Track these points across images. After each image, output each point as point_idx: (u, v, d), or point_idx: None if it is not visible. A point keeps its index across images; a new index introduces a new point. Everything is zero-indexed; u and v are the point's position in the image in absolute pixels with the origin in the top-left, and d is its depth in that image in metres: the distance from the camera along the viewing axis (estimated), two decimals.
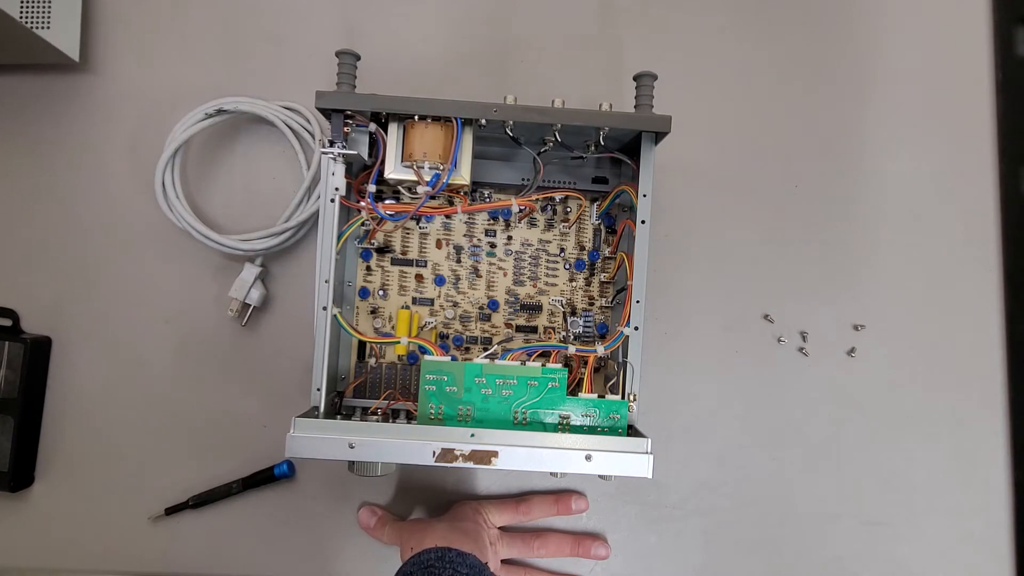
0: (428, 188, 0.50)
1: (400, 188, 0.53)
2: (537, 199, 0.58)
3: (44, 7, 0.61)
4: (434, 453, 0.45)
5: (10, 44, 0.59)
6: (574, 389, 0.55)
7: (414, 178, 0.51)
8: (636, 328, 0.50)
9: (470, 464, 0.45)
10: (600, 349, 0.52)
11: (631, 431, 0.49)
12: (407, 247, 0.59)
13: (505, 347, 0.59)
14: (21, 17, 0.61)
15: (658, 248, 0.63)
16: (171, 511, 0.61)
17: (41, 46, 0.59)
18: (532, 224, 0.59)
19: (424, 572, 0.46)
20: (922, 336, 0.64)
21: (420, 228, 0.59)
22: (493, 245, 0.59)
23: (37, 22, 0.61)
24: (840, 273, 0.64)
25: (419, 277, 0.59)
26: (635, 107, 0.51)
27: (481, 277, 0.60)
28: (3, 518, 0.62)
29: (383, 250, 0.59)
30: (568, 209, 0.59)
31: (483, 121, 0.49)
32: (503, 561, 0.59)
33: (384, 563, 0.62)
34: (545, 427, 0.49)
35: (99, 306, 0.63)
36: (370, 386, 0.58)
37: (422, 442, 0.45)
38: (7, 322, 0.62)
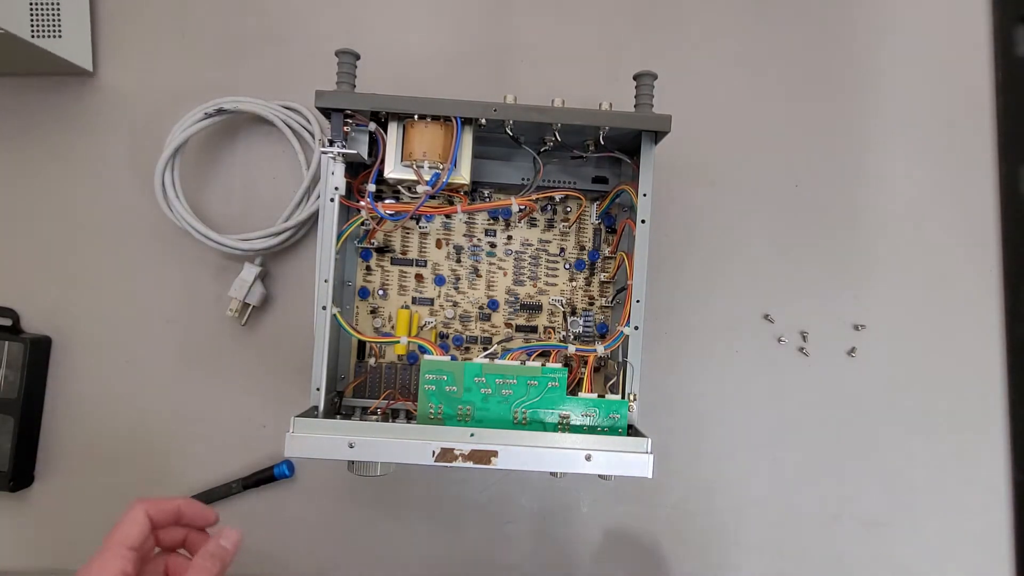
0: (428, 187, 0.50)
1: (400, 188, 0.53)
2: (537, 199, 0.58)
3: (54, 17, 0.61)
4: (434, 453, 0.45)
5: (23, 59, 0.60)
6: (574, 389, 0.55)
7: (414, 177, 0.51)
8: (636, 328, 0.50)
9: (470, 464, 0.45)
10: (600, 349, 0.52)
11: (631, 431, 0.49)
12: (407, 247, 0.59)
13: (505, 347, 0.59)
14: (31, 29, 0.61)
15: (658, 248, 0.63)
16: None
17: (54, 60, 0.59)
18: (532, 224, 0.59)
19: None
20: (922, 336, 0.64)
21: (420, 228, 0.59)
22: (493, 245, 0.59)
23: (47, 31, 0.61)
24: (840, 273, 0.64)
25: (419, 277, 0.59)
26: (635, 107, 0.51)
27: (481, 277, 0.60)
28: (3, 518, 0.62)
29: (383, 250, 0.59)
30: (568, 209, 0.59)
31: (483, 120, 0.49)
32: None
33: (386, 563, 0.62)
34: (545, 427, 0.49)
35: (99, 306, 0.63)
36: (370, 386, 0.58)
37: (422, 442, 0.45)
38: (7, 322, 0.62)
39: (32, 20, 0.61)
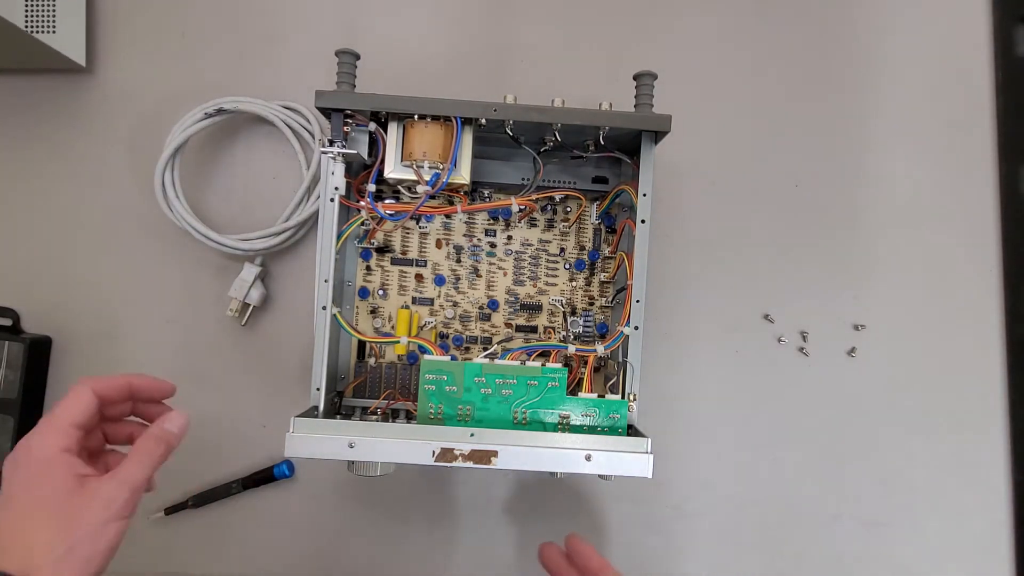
0: (428, 187, 0.50)
1: (400, 188, 0.53)
2: (537, 199, 0.58)
3: (49, 12, 0.61)
4: (434, 453, 0.45)
5: (17, 51, 0.59)
6: (574, 389, 0.55)
7: (414, 177, 0.51)
8: (636, 328, 0.50)
9: (470, 464, 0.45)
10: (600, 349, 0.52)
11: (631, 431, 0.49)
12: (407, 247, 0.59)
13: (505, 347, 0.59)
14: (26, 23, 0.61)
15: (658, 248, 0.63)
16: (171, 511, 0.61)
17: (47, 53, 0.59)
18: (532, 224, 0.59)
19: None
20: (922, 336, 0.64)
21: (420, 228, 0.59)
22: (493, 245, 0.59)
23: (42, 27, 0.61)
24: (840, 273, 0.64)
25: (419, 277, 0.59)
26: (635, 106, 0.51)
27: (481, 277, 0.59)
28: None
29: (383, 250, 0.59)
30: (568, 209, 0.59)
31: (483, 120, 0.49)
32: None
33: (386, 563, 0.62)
34: (545, 427, 0.49)
35: (99, 306, 0.63)
36: (370, 386, 0.58)
37: (422, 442, 0.45)
38: (7, 322, 0.62)
39: (27, 14, 0.61)
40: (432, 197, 0.52)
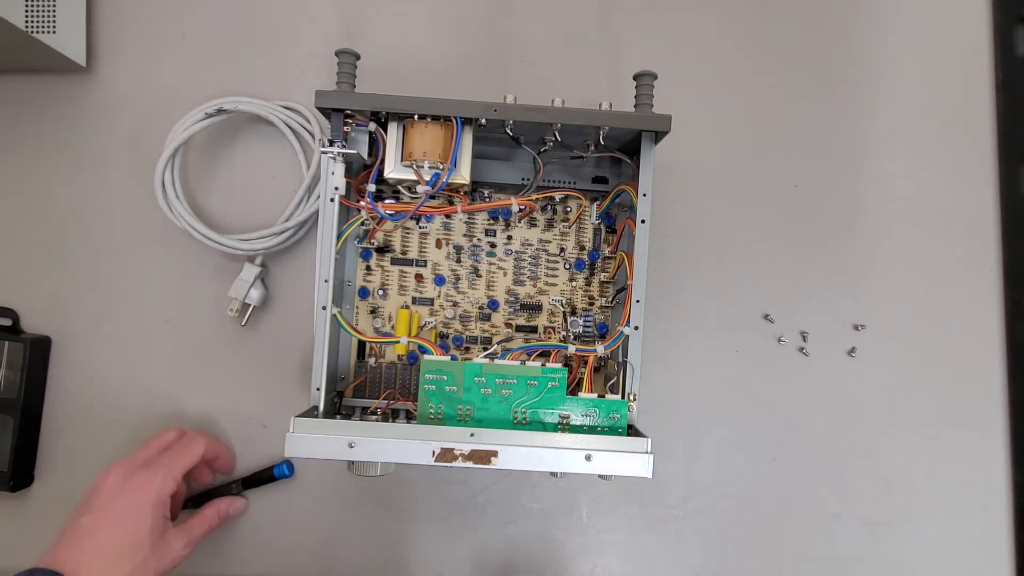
0: (428, 188, 0.50)
1: (400, 188, 0.53)
2: (537, 199, 0.58)
3: (49, 12, 0.61)
4: (434, 453, 0.45)
5: (17, 51, 0.59)
6: (574, 389, 0.55)
7: (414, 177, 0.51)
8: (636, 328, 0.50)
9: (470, 464, 0.45)
10: (600, 349, 0.52)
11: (631, 431, 0.49)
12: (407, 247, 0.59)
13: (505, 347, 0.59)
14: (26, 24, 0.61)
15: (658, 248, 0.63)
16: None
17: (48, 53, 0.59)
18: (532, 224, 0.59)
19: None
20: (922, 336, 0.64)
21: (420, 228, 0.59)
22: (493, 245, 0.59)
23: (42, 27, 0.61)
24: (840, 273, 0.64)
25: (419, 277, 0.59)
26: (635, 106, 0.51)
27: (481, 277, 0.59)
28: (3, 518, 0.62)
29: (383, 250, 0.59)
30: (568, 209, 0.59)
31: (483, 120, 0.49)
32: None
33: (386, 563, 0.62)
34: (545, 427, 0.49)
35: (99, 306, 0.63)
36: (370, 386, 0.58)
37: (422, 442, 0.45)
38: (7, 322, 0.62)
39: (27, 14, 0.61)
40: (432, 197, 0.52)
